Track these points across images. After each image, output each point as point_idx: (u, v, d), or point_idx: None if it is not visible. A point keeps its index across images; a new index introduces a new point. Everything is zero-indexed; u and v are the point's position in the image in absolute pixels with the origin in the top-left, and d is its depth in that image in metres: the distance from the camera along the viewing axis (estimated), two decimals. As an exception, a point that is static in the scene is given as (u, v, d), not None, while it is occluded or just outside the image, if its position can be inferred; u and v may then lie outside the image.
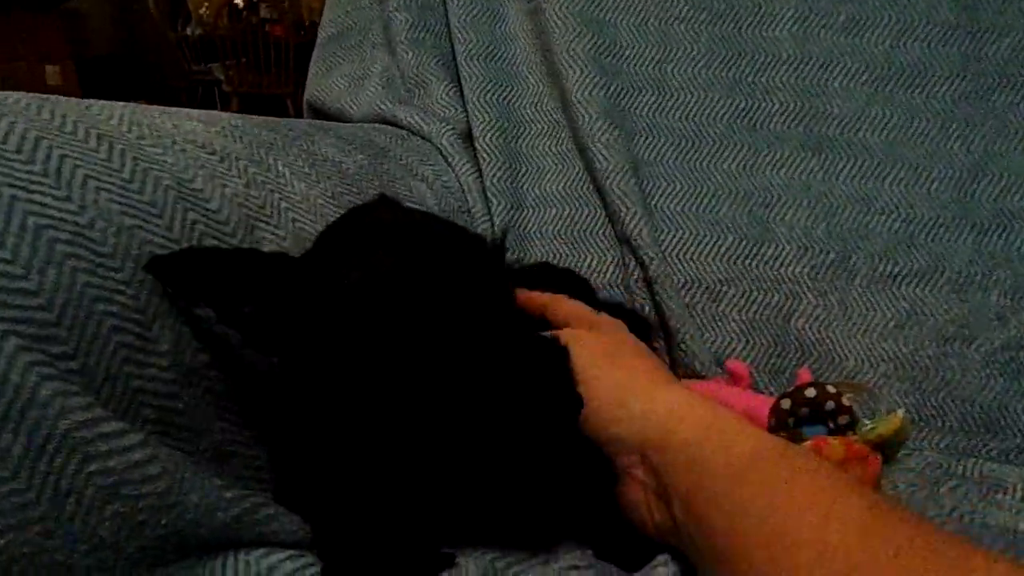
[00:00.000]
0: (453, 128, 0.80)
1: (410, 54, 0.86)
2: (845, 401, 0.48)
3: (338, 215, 0.55)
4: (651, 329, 0.69)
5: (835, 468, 0.34)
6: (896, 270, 0.67)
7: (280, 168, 0.51)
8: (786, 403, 0.48)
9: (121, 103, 0.47)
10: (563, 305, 0.47)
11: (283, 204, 0.49)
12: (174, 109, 0.52)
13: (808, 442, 0.48)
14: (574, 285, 0.70)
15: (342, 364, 0.33)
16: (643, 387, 0.39)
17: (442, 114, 0.82)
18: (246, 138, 0.52)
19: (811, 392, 0.48)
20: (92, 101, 0.45)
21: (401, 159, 0.71)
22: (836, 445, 0.48)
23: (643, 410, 0.37)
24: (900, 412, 0.52)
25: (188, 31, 3.60)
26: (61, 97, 0.43)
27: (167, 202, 0.39)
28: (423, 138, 0.81)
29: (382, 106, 0.85)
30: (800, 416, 0.48)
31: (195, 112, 0.53)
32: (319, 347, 0.33)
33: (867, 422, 0.50)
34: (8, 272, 0.30)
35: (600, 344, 0.41)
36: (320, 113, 0.96)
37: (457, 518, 0.39)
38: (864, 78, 0.70)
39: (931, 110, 0.69)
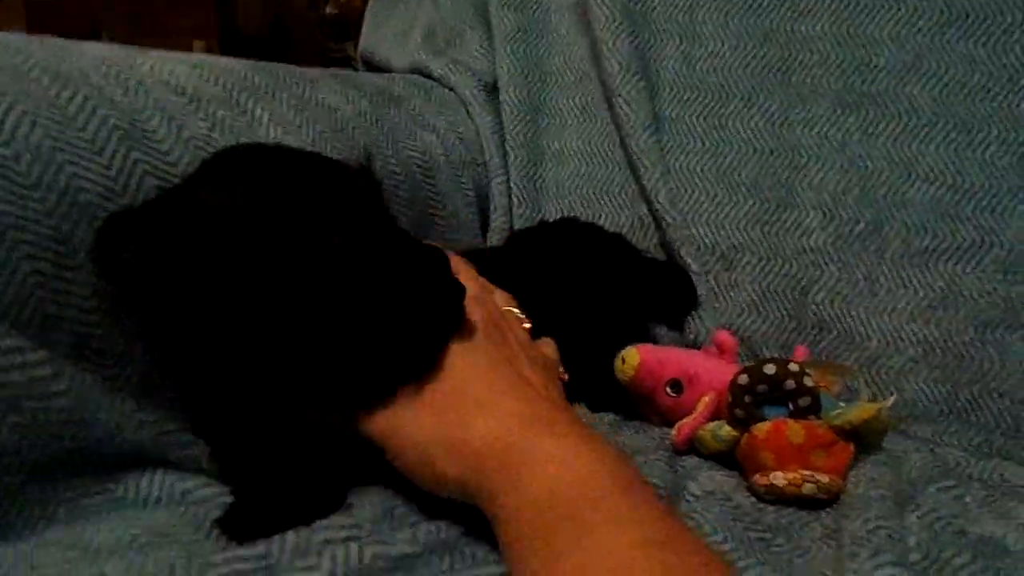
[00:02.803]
0: (480, 79, 0.79)
1: (449, 3, 0.85)
2: (807, 382, 0.44)
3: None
4: (695, 297, 0.65)
5: (643, 508, 0.30)
6: (934, 244, 0.60)
7: (258, 112, 0.53)
8: (743, 379, 0.45)
9: (114, 45, 0.50)
10: None
11: (250, 148, 0.50)
12: (168, 53, 0.54)
13: (767, 423, 0.45)
14: (604, 242, 0.67)
15: (203, 301, 0.34)
16: (447, 432, 0.34)
17: (473, 65, 0.81)
18: (229, 82, 0.53)
19: (770, 369, 0.44)
20: (82, 43, 0.49)
21: (415, 109, 0.71)
22: (796, 429, 0.44)
23: (439, 473, 0.34)
24: (889, 400, 0.48)
25: (327, 11, 3.73)
26: (56, 39, 0.46)
27: (110, 141, 0.41)
28: (451, 89, 0.80)
29: (419, 57, 0.85)
30: (758, 393, 0.45)
31: (191, 56, 0.55)
32: (177, 282, 0.34)
33: (842, 405, 0.46)
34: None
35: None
36: (371, 66, 0.97)
37: (355, 454, 0.39)
38: (919, 25, 0.62)
39: (995, 63, 0.60)
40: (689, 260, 0.65)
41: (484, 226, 0.73)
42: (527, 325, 0.45)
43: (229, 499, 0.40)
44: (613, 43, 0.70)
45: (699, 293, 0.65)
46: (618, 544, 0.28)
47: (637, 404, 0.56)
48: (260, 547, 0.35)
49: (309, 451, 0.39)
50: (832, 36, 0.65)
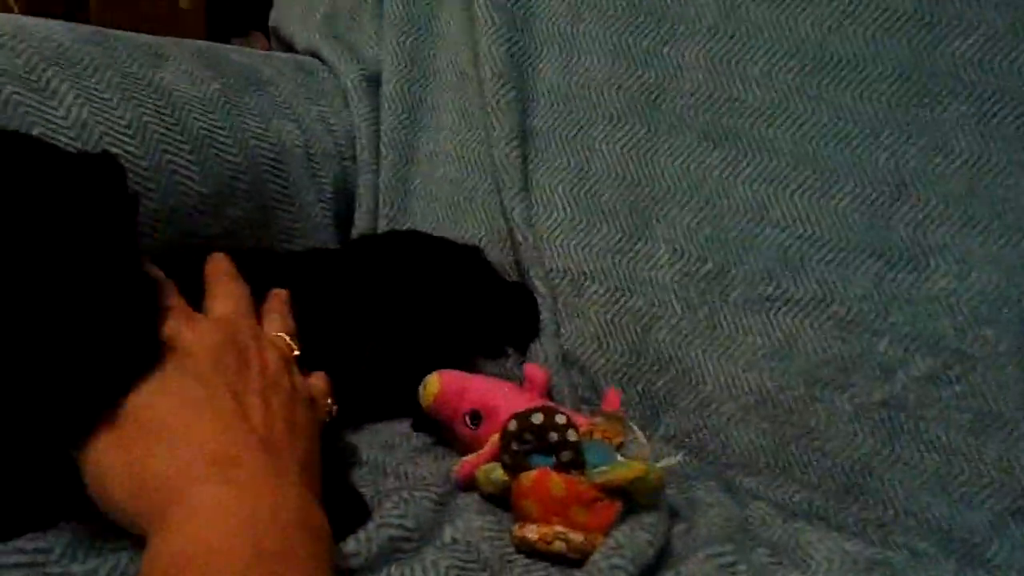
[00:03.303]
0: (365, 69, 0.76)
1: (351, -15, 0.82)
2: (571, 436, 0.42)
3: (132, 143, 0.54)
4: (537, 323, 0.63)
5: None
6: (777, 293, 0.58)
7: (62, 90, 0.49)
8: (512, 425, 0.43)
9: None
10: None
11: (39, 130, 0.47)
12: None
13: (533, 473, 0.43)
14: (446, 255, 0.65)
15: None
16: (129, 464, 0.32)
17: (362, 53, 0.78)
18: (36, 54, 0.50)
19: (537, 418, 0.42)
20: None
21: (279, 95, 0.68)
22: (558, 482, 0.42)
23: (111, 499, 0.32)
24: (674, 459, 0.46)
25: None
26: None
27: None
28: (336, 76, 0.77)
29: (315, 38, 0.82)
30: (526, 442, 0.43)
31: (8, 21, 0.52)
32: None
33: (620, 460, 0.44)
34: None
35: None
36: (280, 40, 0.94)
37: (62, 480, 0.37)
38: (790, 64, 0.60)
39: (861, 112, 0.58)
40: (537, 282, 0.63)
41: (342, 224, 0.70)
42: (296, 353, 0.43)
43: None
44: (489, 48, 0.67)
45: (544, 318, 0.63)
46: None
47: (443, 431, 0.54)
48: (-79, 568, 0.33)
49: (19, 468, 0.37)
50: (705, 66, 0.62)
